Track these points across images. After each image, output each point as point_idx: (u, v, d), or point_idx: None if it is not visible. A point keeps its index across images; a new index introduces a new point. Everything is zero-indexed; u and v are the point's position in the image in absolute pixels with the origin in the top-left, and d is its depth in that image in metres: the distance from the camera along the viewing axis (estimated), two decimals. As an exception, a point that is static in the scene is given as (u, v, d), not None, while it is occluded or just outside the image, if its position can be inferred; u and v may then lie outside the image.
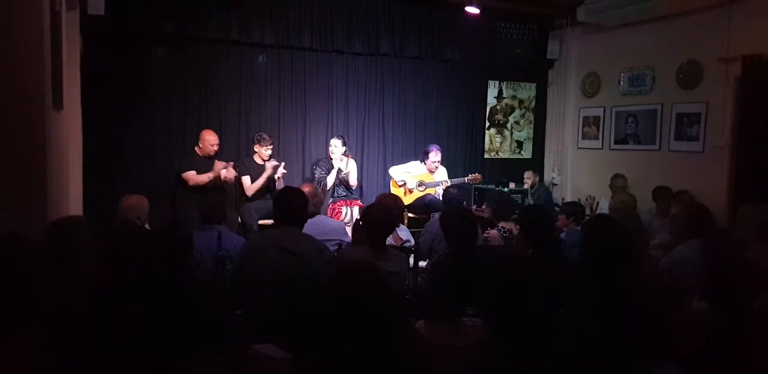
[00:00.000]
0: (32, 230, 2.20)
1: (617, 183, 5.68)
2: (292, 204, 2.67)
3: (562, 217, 3.88)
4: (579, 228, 3.64)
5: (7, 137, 2.36)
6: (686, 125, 5.51)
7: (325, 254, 2.56)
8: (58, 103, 3.16)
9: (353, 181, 5.56)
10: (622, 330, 2.08)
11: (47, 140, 2.65)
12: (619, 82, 6.23)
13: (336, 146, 5.46)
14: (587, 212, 5.34)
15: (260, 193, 5.10)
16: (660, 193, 4.90)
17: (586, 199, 6.09)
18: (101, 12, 4.52)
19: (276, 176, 5.11)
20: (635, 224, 3.12)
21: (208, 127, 5.22)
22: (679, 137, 5.59)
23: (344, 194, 5.52)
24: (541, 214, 2.93)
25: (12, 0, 2.39)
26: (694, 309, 2.43)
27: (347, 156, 5.50)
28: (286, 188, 3.00)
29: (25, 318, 1.61)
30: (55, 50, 3.02)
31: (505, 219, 4.00)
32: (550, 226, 2.99)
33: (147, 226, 3.50)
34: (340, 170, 5.41)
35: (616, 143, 6.33)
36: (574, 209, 3.96)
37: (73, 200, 4.15)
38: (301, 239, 2.58)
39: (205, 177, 4.72)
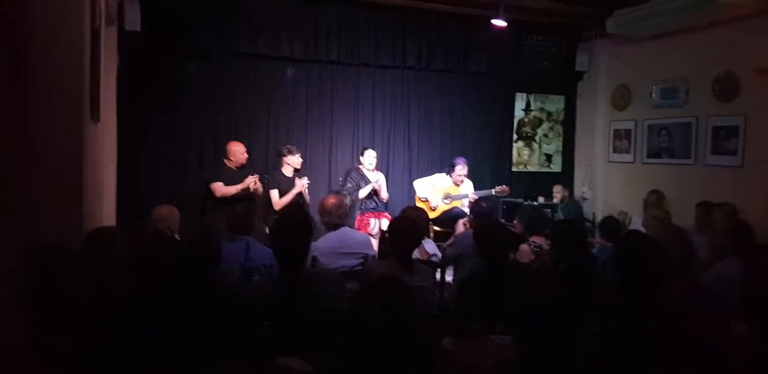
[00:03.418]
0: (69, 240, 2.25)
1: (650, 199, 5.54)
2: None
3: (598, 232, 3.80)
4: (611, 244, 3.56)
5: (47, 148, 2.42)
6: (723, 139, 5.35)
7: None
8: (95, 115, 3.24)
9: (385, 193, 5.57)
10: (656, 349, 2.02)
11: (84, 150, 2.72)
12: (651, 94, 6.11)
13: (374, 158, 5.49)
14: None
15: (288, 206, 5.12)
16: (701, 208, 4.75)
17: (618, 214, 5.96)
18: (137, 28, 4.66)
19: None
20: (684, 243, 2.95)
21: (238, 139, 5.30)
22: (715, 150, 5.42)
23: (372, 206, 5.52)
24: (573, 229, 2.87)
25: (55, 17, 2.48)
26: (734, 329, 2.34)
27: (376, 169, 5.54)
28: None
29: (59, 324, 1.64)
30: (94, 65, 3.11)
31: (537, 234, 3.94)
32: (583, 242, 2.92)
33: (177, 236, 3.55)
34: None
35: (648, 156, 6.20)
36: (608, 224, 3.86)
37: (107, 210, 4.24)
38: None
39: (234, 189, 4.77)
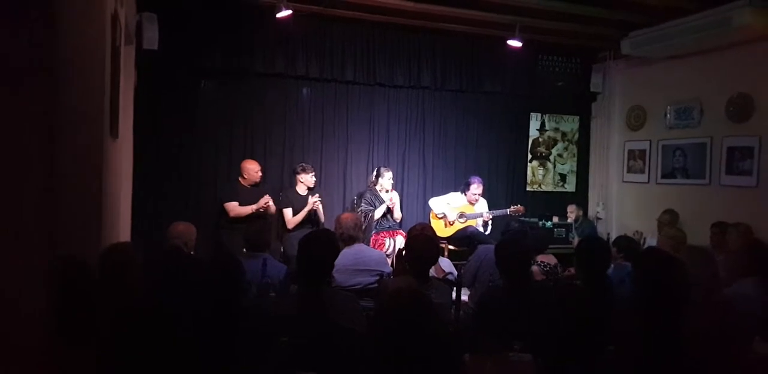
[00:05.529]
0: (88, 254, 2.26)
1: (663, 218, 5.50)
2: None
3: (614, 250, 3.77)
4: (627, 264, 3.53)
5: (67, 163, 2.45)
6: (738, 159, 5.33)
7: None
8: (114, 131, 3.29)
9: (398, 213, 5.57)
10: (679, 368, 1.98)
11: (103, 166, 2.75)
12: (666, 115, 6.10)
13: (391, 179, 5.51)
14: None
15: (301, 224, 5.13)
16: (717, 228, 4.71)
17: (633, 234, 5.91)
18: (155, 46, 4.75)
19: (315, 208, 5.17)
20: (709, 265, 2.90)
21: (252, 157, 5.34)
22: (730, 171, 5.41)
23: (388, 225, 5.52)
24: (599, 247, 2.87)
25: (79, 37, 2.54)
26: (757, 347, 2.30)
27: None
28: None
29: (77, 337, 1.64)
30: (114, 83, 3.16)
31: (542, 253, 3.90)
32: (606, 260, 2.91)
33: (192, 253, 3.55)
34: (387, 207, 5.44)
35: (663, 177, 6.16)
36: (626, 243, 3.84)
37: (122, 225, 4.27)
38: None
39: (249, 209, 4.80)
